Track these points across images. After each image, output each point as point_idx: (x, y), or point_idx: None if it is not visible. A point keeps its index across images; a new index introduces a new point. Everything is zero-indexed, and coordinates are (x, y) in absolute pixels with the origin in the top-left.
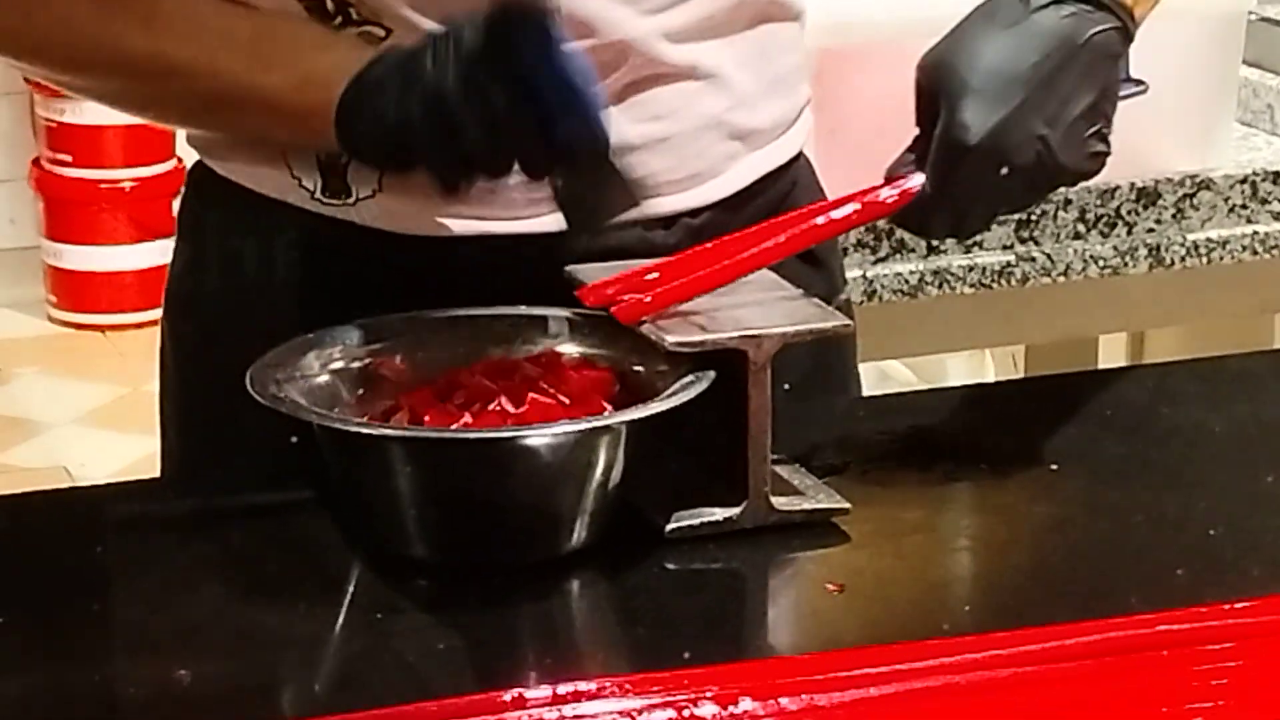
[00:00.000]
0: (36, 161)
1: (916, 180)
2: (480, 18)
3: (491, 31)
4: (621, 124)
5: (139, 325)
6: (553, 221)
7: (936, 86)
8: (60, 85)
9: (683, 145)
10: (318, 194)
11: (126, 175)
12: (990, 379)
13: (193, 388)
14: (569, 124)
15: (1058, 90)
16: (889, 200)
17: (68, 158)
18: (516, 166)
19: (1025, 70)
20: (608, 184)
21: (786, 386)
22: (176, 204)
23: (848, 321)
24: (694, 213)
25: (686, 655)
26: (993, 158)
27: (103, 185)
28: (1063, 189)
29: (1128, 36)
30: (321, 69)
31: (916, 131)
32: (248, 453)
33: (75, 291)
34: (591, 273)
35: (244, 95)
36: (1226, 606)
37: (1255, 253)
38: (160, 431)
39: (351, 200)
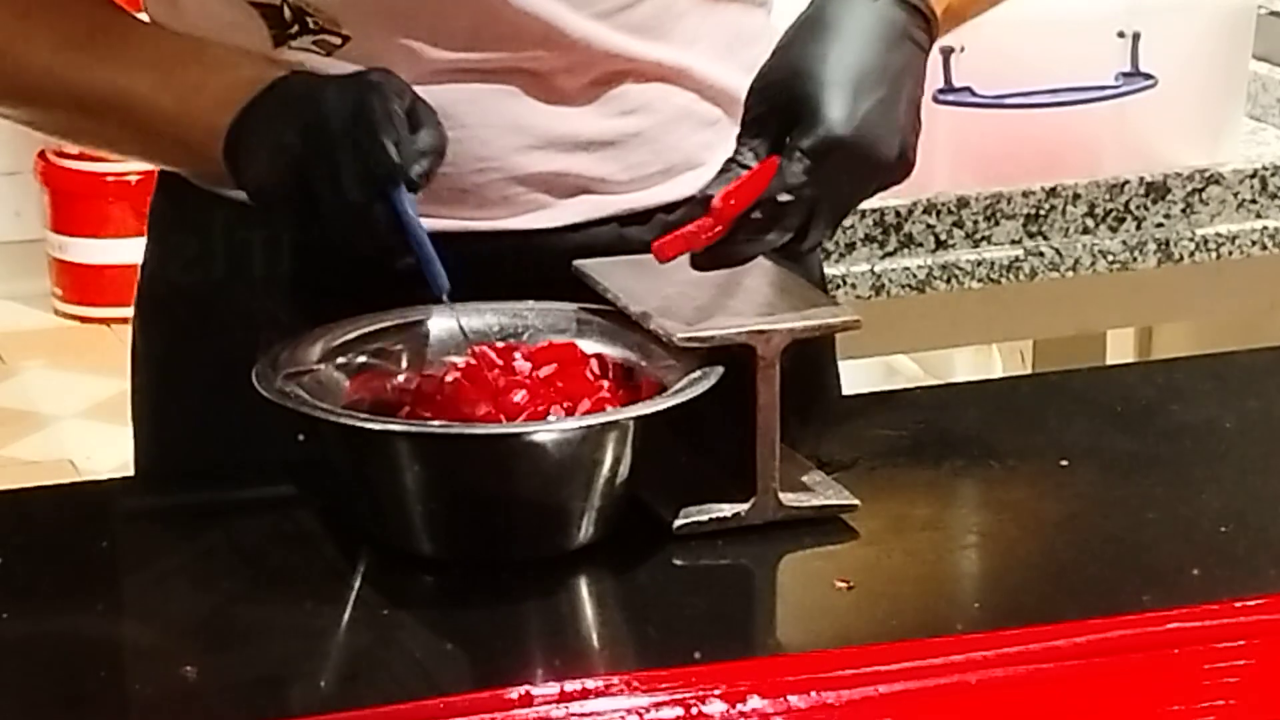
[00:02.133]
0: (42, 154)
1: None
2: (348, 92)
3: (361, 117)
4: (594, 120)
5: None
6: (529, 219)
7: (789, 94)
8: (15, 120)
9: (655, 139)
10: None
11: (132, 168)
12: (998, 374)
13: (166, 386)
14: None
15: (904, 85)
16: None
17: (73, 150)
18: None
19: (879, 64)
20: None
21: None
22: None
23: (856, 317)
24: (670, 207)
25: (695, 653)
26: (862, 148)
27: (108, 178)
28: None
29: (931, 39)
30: (219, 94)
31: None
32: (225, 450)
33: (81, 284)
34: (598, 267)
35: (149, 120)
36: (1238, 604)
37: (1265, 248)
38: (134, 430)
39: None
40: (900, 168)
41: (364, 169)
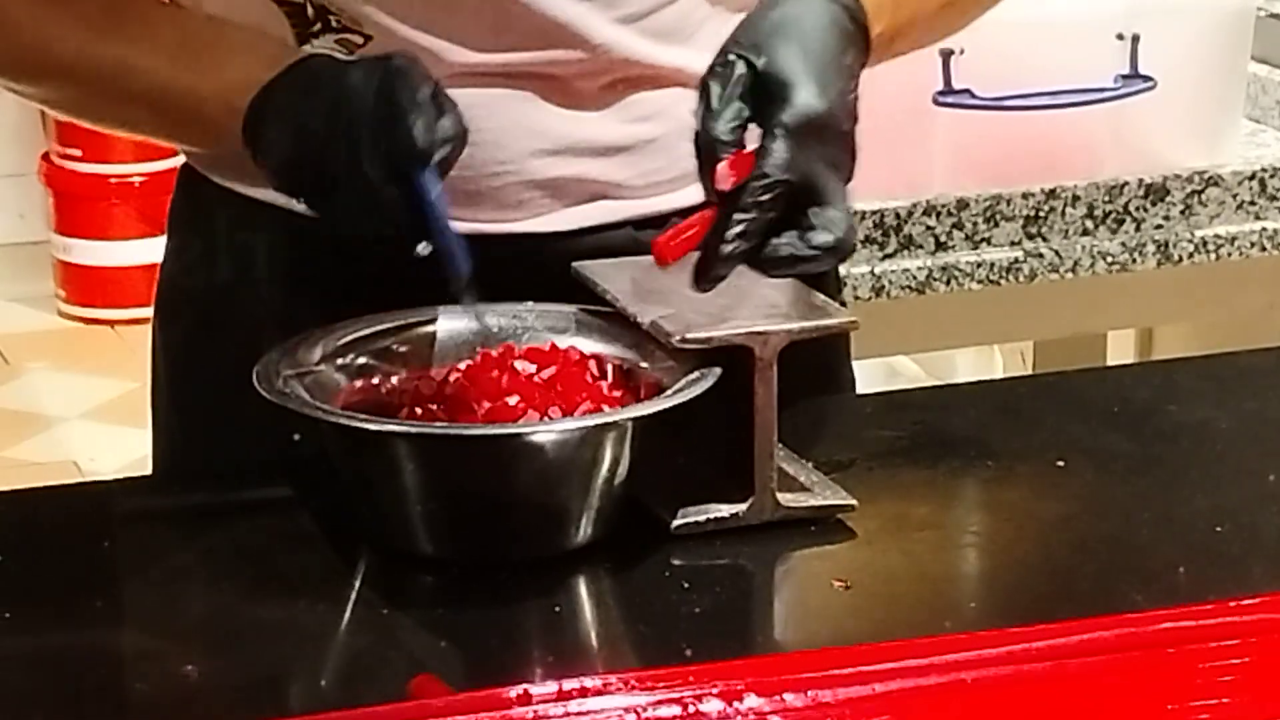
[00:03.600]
0: (46, 156)
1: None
2: (374, 75)
3: (385, 100)
4: (610, 125)
5: (149, 320)
6: (544, 221)
7: (757, 80)
8: (28, 97)
9: (672, 145)
10: None
11: (136, 170)
12: (998, 375)
13: (184, 385)
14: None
15: (853, 82)
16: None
17: (77, 152)
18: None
19: (837, 57)
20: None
21: (779, 387)
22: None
23: (854, 318)
24: (684, 212)
25: (692, 651)
26: (836, 124)
27: (112, 180)
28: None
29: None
30: (235, 76)
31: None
32: (242, 449)
33: (85, 286)
34: (598, 269)
35: (166, 98)
36: (1232, 603)
37: (1264, 249)
38: (152, 428)
39: None
40: (851, 154)
41: (388, 149)
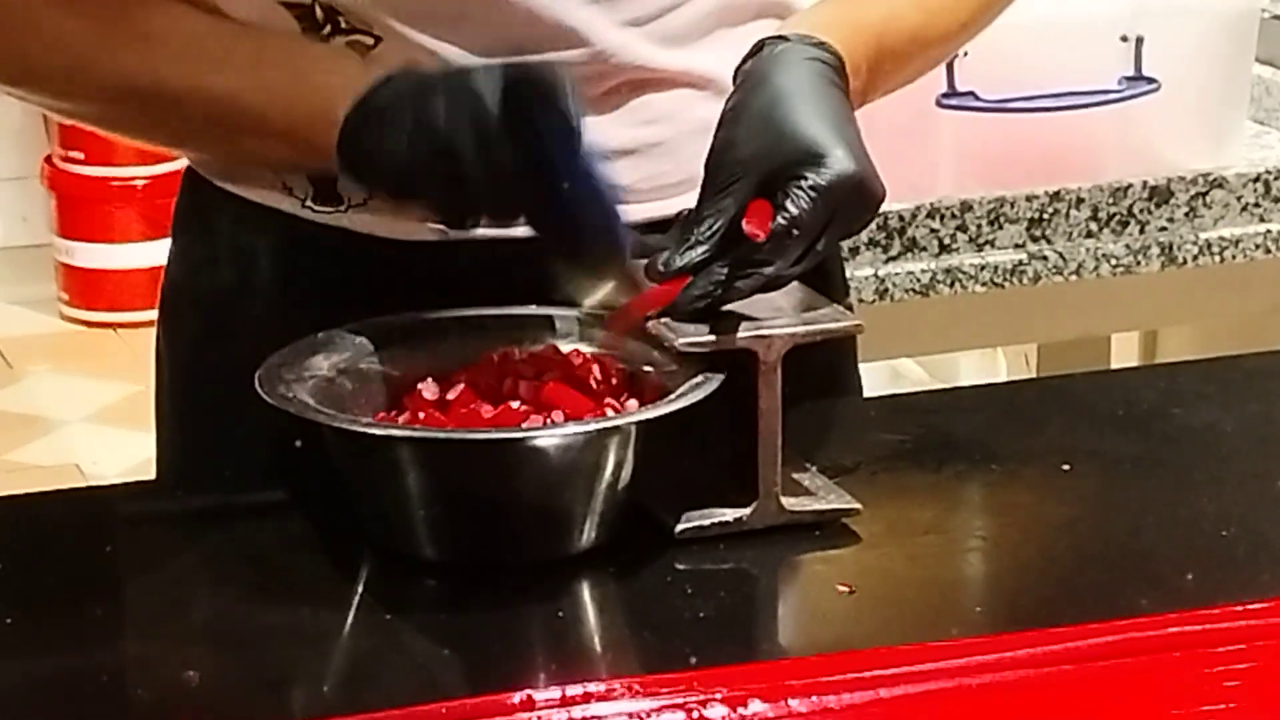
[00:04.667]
0: (49, 159)
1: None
2: (498, 74)
3: (511, 97)
4: (615, 129)
5: (151, 323)
6: None
7: (778, 149)
8: (57, 111)
9: (677, 150)
10: (309, 202)
11: (138, 173)
12: (1002, 378)
13: (188, 388)
14: (592, 225)
15: (857, 126)
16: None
17: (80, 155)
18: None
19: (842, 110)
20: (624, 283)
21: (787, 390)
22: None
23: (858, 322)
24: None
25: (696, 657)
26: (869, 182)
27: (115, 183)
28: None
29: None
30: (321, 88)
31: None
32: (245, 452)
33: (87, 289)
34: None
35: (240, 116)
36: (1238, 608)
37: (1268, 251)
38: (156, 432)
39: (343, 208)
40: (878, 207)
41: (528, 140)
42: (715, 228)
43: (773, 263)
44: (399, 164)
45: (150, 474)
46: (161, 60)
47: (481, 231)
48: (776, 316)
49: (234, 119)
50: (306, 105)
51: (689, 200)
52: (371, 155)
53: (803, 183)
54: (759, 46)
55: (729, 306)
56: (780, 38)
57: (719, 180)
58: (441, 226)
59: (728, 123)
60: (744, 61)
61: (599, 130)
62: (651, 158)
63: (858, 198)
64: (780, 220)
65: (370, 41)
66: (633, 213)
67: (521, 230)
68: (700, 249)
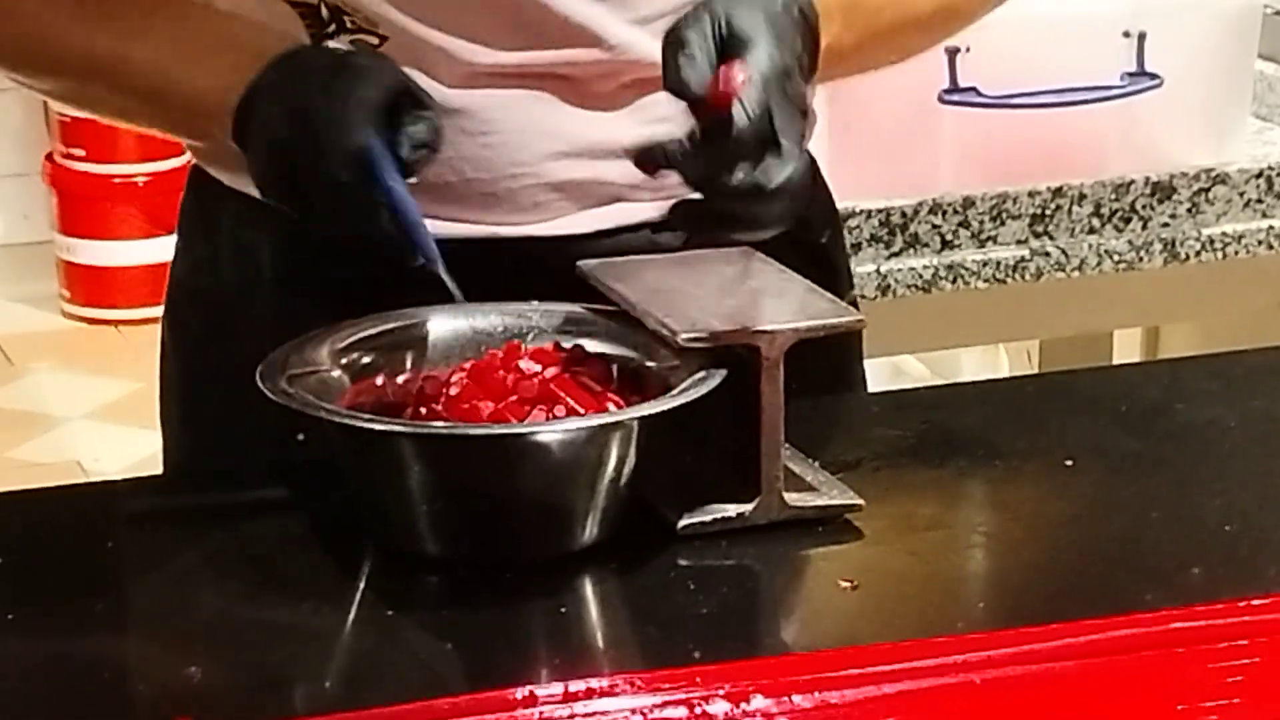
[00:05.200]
0: (50, 156)
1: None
2: (332, 80)
3: (338, 104)
4: (627, 127)
5: (153, 320)
6: (561, 224)
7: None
8: (27, 86)
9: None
10: None
11: (140, 170)
12: (1004, 374)
13: (192, 385)
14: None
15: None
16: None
17: (81, 152)
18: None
19: (794, 22)
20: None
21: (792, 386)
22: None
23: (861, 317)
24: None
25: (698, 652)
26: (794, 78)
27: (116, 180)
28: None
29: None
30: (232, 72)
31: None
32: (249, 449)
33: (89, 286)
34: (603, 267)
35: (166, 90)
36: (1242, 603)
37: (1270, 247)
38: (161, 428)
39: None
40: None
41: (348, 150)
42: (709, 33)
43: (745, 154)
44: (259, 173)
45: (152, 470)
46: (98, 33)
47: (496, 231)
48: (780, 312)
49: (159, 91)
50: (212, 90)
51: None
52: (251, 157)
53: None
54: None
55: (733, 302)
56: None
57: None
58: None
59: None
60: None
61: (609, 128)
62: None
63: (789, 89)
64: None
65: (375, 41)
66: (645, 211)
67: (548, 229)
68: (708, 53)
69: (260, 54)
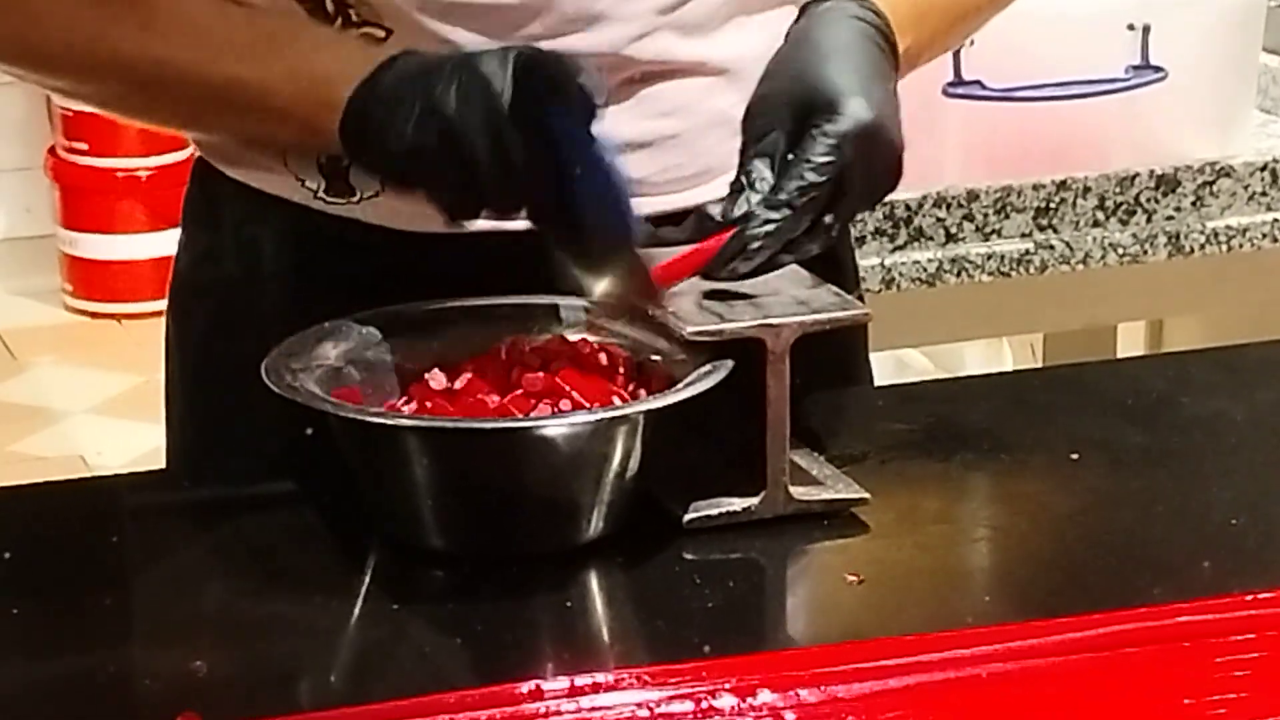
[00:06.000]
0: (52, 150)
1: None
2: (508, 61)
3: (522, 85)
4: (630, 121)
5: (155, 314)
6: None
7: (802, 99)
8: (61, 92)
9: (692, 141)
10: (321, 194)
11: (143, 164)
12: (1009, 367)
13: (198, 380)
14: (601, 217)
15: (895, 88)
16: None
17: (84, 146)
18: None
19: (879, 66)
20: (630, 273)
21: (798, 380)
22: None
23: (867, 310)
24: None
25: (705, 647)
26: (885, 133)
27: (119, 174)
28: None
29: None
30: (325, 70)
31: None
32: (254, 443)
33: (91, 280)
34: None
35: (244, 97)
36: (1248, 597)
37: (1275, 240)
38: (166, 423)
39: (356, 199)
40: (900, 164)
41: (540, 128)
42: (762, 173)
43: (789, 205)
44: (404, 149)
45: (154, 465)
46: (163, 41)
47: (490, 225)
48: (785, 305)
49: (235, 102)
50: (308, 86)
51: (703, 193)
52: (375, 139)
53: (816, 131)
54: (804, 8)
55: (737, 294)
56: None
57: (753, 132)
58: (444, 216)
59: (765, 77)
60: (794, 23)
61: (613, 122)
62: (666, 150)
63: (873, 148)
64: (796, 169)
65: (381, 34)
66: (647, 205)
67: (521, 224)
68: (750, 194)
69: (365, 51)
